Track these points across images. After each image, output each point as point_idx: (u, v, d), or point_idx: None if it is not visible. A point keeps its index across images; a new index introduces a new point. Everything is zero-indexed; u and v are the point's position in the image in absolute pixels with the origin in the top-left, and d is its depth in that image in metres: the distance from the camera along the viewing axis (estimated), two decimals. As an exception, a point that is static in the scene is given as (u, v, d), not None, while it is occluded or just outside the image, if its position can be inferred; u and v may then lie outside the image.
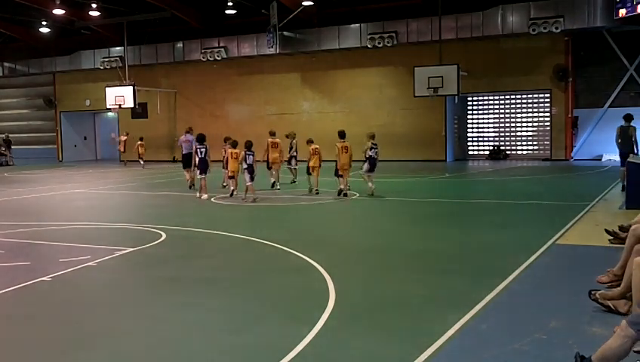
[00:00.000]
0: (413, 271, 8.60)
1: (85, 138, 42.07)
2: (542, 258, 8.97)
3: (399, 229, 12.49)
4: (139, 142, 32.34)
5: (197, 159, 17.76)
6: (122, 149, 34.07)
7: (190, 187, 19.89)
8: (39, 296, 7.74)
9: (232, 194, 17.42)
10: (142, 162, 31.98)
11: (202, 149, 17.79)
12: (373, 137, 17.47)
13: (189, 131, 21.20)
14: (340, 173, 17.10)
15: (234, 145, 17.40)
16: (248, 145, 16.77)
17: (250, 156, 16.59)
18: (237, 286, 7.98)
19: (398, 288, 7.72)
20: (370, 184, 17.20)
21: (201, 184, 17.83)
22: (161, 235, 11.50)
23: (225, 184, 19.73)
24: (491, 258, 9.29)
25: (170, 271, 8.91)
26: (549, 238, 10.22)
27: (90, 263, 9.23)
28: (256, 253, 10.07)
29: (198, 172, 17.89)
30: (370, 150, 17.18)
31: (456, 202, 16.67)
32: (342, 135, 17.31)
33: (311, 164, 18.03)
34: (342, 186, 17.19)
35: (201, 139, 18.04)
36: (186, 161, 20.01)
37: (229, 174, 17.66)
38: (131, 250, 10.23)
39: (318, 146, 18.26)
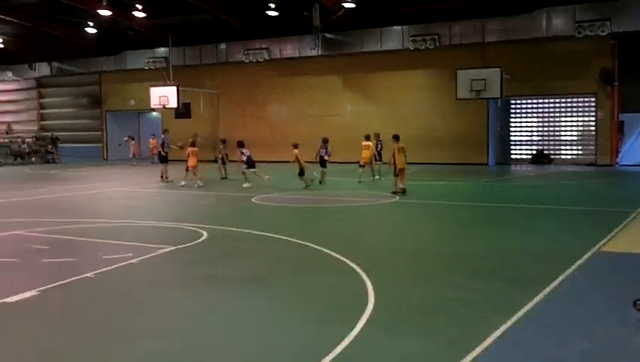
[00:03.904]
0: (454, 276, 8.50)
1: (130, 137, 42.64)
2: (585, 265, 8.81)
3: (439, 233, 12.39)
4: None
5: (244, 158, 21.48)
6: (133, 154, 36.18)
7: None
8: (83, 292, 7.89)
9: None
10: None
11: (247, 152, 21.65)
12: (397, 138, 18.51)
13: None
14: (397, 172, 18.08)
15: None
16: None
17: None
18: (276, 287, 8.01)
19: (437, 292, 7.65)
20: (400, 184, 18.19)
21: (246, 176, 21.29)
22: (202, 234, 11.62)
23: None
24: (533, 264, 9.14)
25: (210, 270, 8.98)
26: (592, 245, 10.03)
27: (132, 261, 9.38)
28: (296, 254, 10.10)
29: (245, 166, 21.37)
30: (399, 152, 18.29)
31: (497, 206, 16.44)
32: (397, 137, 18.45)
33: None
34: (401, 185, 18.08)
35: (241, 144, 21.93)
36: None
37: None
38: (173, 248, 10.35)
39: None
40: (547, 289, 7.44)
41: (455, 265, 9.18)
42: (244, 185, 20.77)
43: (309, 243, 10.58)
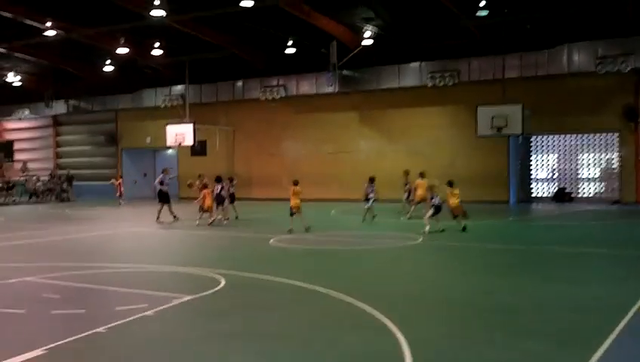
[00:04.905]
0: (493, 332, 7.83)
1: (145, 175, 42.37)
2: (634, 321, 8.12)
3: (473, 280, 11.60)
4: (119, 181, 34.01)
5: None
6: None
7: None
8: (92, 350, 7.30)
9: None
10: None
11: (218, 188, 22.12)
12: (451, 184, 18.86)
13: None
14: (455, 214, 18.65)
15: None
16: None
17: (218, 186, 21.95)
18: (301, 346, 7.39)
19: (483, 353, 6.99)
20: (427, 228, 18.04)
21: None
22: (220, 282, 11.04)
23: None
24: (578, 319, 8.44)
25: (229, 324, 8.38)
26: (637, 296, 9.34)
27: (147, 312, 8.80)
28: (321, 306, 9.47)
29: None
30: (434, 198, 18.51)
31: (526, 249, 15.69)
32: (451, 183, 18.99)
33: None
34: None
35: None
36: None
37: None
38: (189, 298, 9.77)
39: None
40: (600, 352, 6.76)
41: (496, 320, 8.50)
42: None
43: (335, 292, 9.94)
